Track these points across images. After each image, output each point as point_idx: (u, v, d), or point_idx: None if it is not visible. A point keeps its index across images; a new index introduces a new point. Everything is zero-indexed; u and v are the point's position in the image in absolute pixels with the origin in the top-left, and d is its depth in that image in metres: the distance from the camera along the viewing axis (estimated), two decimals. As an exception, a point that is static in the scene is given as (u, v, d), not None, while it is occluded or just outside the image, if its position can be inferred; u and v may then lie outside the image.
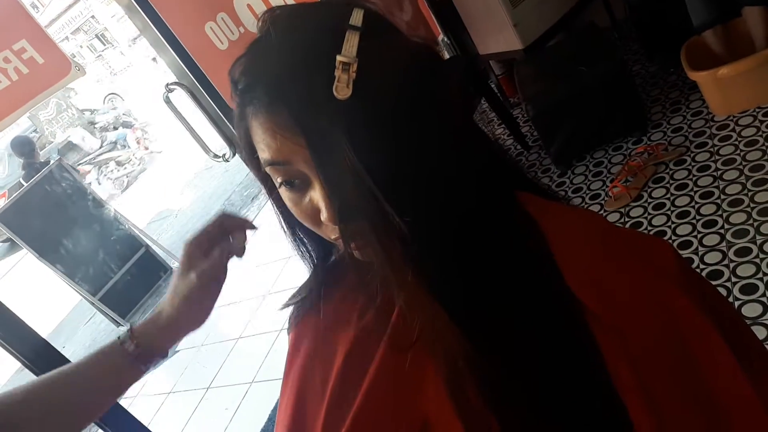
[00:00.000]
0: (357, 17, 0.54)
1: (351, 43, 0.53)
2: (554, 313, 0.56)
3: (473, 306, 0.56)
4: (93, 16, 20.05)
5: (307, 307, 0.75)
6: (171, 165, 8.69)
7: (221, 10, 2.29)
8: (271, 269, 4.21)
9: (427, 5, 3.58)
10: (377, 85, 0.53)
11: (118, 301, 4.83)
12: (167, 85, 2.05)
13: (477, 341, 0.55)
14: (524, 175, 0.70)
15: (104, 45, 20.45)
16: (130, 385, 0.75)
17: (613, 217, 2.49)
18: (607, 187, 2.66)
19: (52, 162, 5.16)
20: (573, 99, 2.75)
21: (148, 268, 5.13)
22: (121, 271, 4.93)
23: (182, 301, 0.73)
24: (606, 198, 2.61)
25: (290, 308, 0.77)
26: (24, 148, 5.58)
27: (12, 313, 1.42)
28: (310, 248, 0.73)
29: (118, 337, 0.74)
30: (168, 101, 2.09)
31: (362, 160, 0.52)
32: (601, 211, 2.56)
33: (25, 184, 4.83)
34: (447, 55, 3.49)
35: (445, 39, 3.62)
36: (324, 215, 0.57)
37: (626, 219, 2.45)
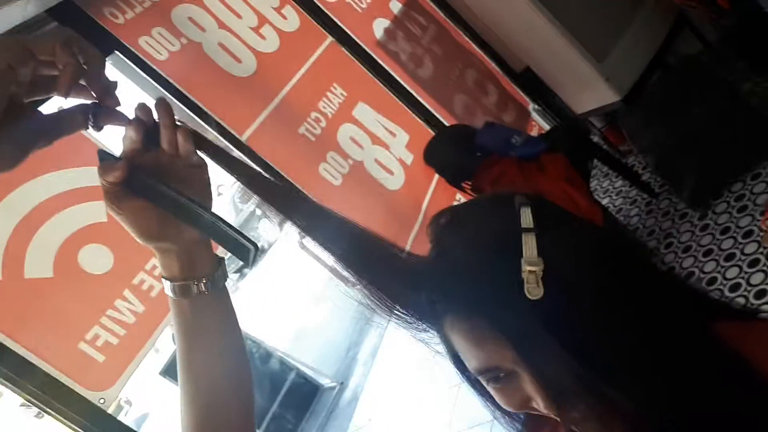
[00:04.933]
0: (527, 219, 0.56)
1: (530, 246, 0.54)
2: None
3: None
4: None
5: None
6: (293, 285, 8.90)
7: (330, 150, 2.45)
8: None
9: (509, 81, 3.64)
10: (565, 276, 0.54)
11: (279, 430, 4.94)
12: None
13: None
14: (714, 301, 0.68)
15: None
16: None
17: (776, 252, 2.28)
18: (758, 221, 2.46)
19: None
20: (691, 138, 2.63)
21: (302, 391, 5.26)
22: (277, 400, 5.08)
23: None
24: (761, 234, 2.41)
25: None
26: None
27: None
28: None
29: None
30: (303, 246, 2.22)
31: (569, 347, 0.52)
32: (760, 249, 2.36)
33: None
34: (546, 124, 3.48)
35: (536, 107, 3.63)
36: (540, 404, 0.58)
37: (792, 251, 2.24)
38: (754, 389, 0.55)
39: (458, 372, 0.67)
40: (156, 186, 0.63)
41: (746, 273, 2.33)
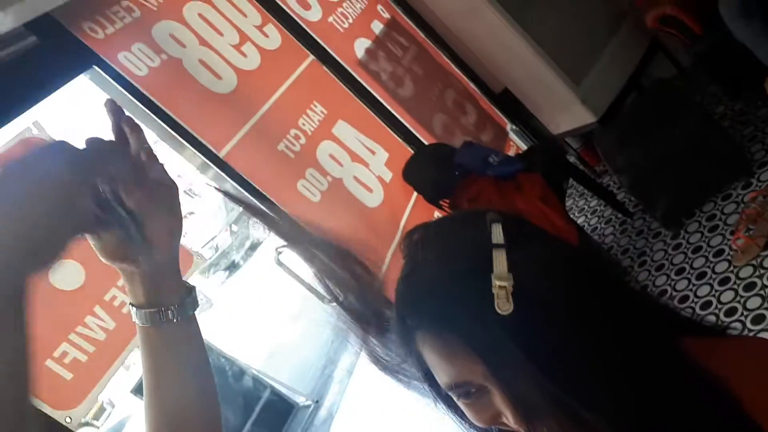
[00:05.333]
0: (498, 234, 0.57)
1: (500, 262, 0.55)
2: None
3: None
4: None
5: None
6: (268, 301, 8.81)
7: (309, 167, 2.45)
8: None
9: (488, 101, 3.69)
10: (535, 291, 0.55)
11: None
12: (277, 248, 2.17)
13: None
14: (683, 318, 0.70)
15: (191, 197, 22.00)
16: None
17: (746, 272, 2.33)
18: (728, 240, 2.51)
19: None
20: (665, 160, 2.68)
21: (276, 409, 5.19)
22: (251, 418, 4.99)
23: None
24: (731, 253, 2.46)
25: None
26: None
27: None
28: None
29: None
30: (279, 263, 2.20)
31: (538, 363, 0.53)
32: (731, 268, 2.41)
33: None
34: (523, 144, 3.53)
35: (514, 127, 3.68)
36: (510, 419, 0.58)
37: (761, 271, 2.28)
38: (723, 406, 0.56)
39: (430, 389, 0.68)
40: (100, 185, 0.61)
41: (717, 291, 2.38)
